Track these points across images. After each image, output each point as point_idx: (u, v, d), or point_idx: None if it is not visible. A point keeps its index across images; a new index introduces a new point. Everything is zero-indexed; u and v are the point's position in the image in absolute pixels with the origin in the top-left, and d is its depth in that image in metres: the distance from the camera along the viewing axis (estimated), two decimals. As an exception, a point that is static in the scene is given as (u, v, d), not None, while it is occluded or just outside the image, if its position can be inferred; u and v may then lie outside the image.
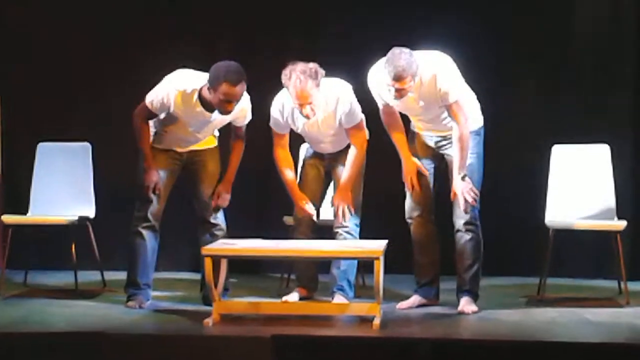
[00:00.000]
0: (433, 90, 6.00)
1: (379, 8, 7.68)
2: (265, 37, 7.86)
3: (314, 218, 6.40)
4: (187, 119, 6.19)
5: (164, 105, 6.15)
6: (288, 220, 6.84)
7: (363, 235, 6.42)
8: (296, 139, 6.58)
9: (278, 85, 6.20)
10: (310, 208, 6.37)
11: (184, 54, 7.28)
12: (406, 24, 7.42)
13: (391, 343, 5.31)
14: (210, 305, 5.96)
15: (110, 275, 7.08)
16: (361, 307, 6.00)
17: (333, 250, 6.03)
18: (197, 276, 6.68)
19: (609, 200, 6.78)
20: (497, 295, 6.84)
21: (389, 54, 5.90)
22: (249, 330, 5.72)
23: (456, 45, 6.31)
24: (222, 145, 6.52)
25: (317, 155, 6.56)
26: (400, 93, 5.93)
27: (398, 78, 5.85)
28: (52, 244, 7.41)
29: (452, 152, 6.16)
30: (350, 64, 6.69)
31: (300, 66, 6.05)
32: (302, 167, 6.61)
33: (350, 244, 6.17)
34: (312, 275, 6.61)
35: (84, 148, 7.20)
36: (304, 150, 6.75)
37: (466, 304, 6.22)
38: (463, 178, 6.08)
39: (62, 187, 7.13)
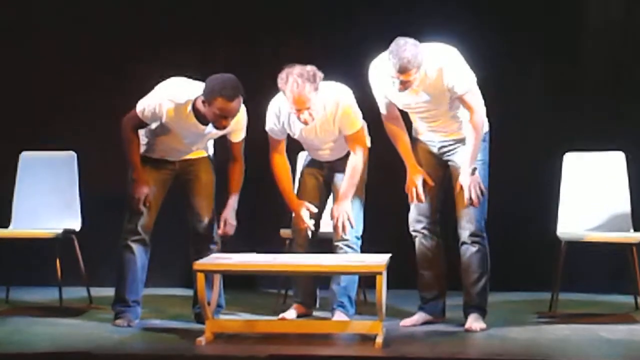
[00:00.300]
0: (440, 83, 5.92)
1: (379, 9, 7.66)
2: (261, 41, 7.88)
3: (310, 232, 6.30)
4: (179, 130, 6.10)
5: (155, 116, 6.05)
6: (285, 233, 6.79)
7: (365, 249, 6.35)
8: (293, 147, 6.51)
9: (274, 89, 6.11)
10: (308, 218, 6.26)
11: (174, 60, 7.41)
12: (407, 28, 7.22)
13: (394, 363, 5.27)
14: (203, 323, 5.87)
15: (97, 292, 7.05)
16: (363, 325, 5.92)
17: (333, 265, 5.95)
18: (189, 292, 6.63)
19: (624, 210, 6.74)
20: (507, 311, 6.79)
21: (393, 44, 5.81)
22: (243, 349, 5.62)
23: (462, 47, 6.18)
24: (217, 152, 6.43)
25: (315, 164, 6.45)
26: (404, 85, 5.85)
27: (403, 70, 5.77)
28: (36, 259, 7.36)
29: (457, 159, 6.11)
30: (349, 67, 6.64)
31: (297, 69, 5.94)
32: (301, 177, 6.52)
33: (351, 258, 6.10)
34: (311, 291, 6.54)
35: (69, 157, 7.15)
36: (302, 158, 6.69)
37: (474, 321, 6.13)
38: (473, 172, 6.01)
39: (46, 199, 7.09)
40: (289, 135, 6.28)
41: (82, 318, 6.54)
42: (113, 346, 5.69)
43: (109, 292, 6.44)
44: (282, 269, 5.99)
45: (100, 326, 6.23)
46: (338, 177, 6.30)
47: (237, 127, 6.13)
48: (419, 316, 6.28)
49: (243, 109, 6.07)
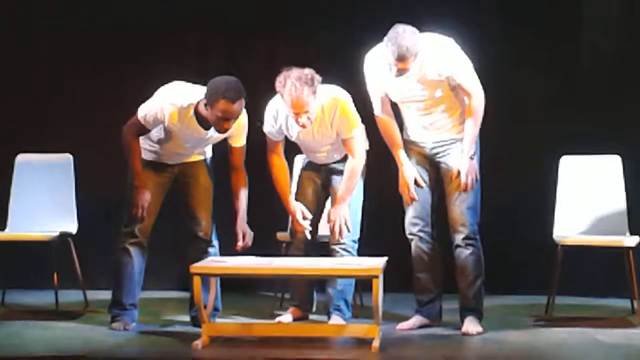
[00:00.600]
0: (437, 71, 5.92)
1: (378, 13, 7.59)
2: (256, 43, 7.85)
3: (308, 235, 6.28)
4: (181, 135, 6.06)
5: (157, 120, 6.00)
6: (281, 236, 6.79)
7: (361, 252, 6.31)
8: (291, 150, 6.48)
9: (270, 92, 6.10)
10: (306, 222, 6.24)
11: (173, 61, 7.35)
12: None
13: (391, 367, 5.24)
14: (199, 326, 5.86)
15: (93, 295, 7.02)
16: (359, 329, 5.90)
17: (329, 268, 5.91)
18: (185, 295, 6.60)
19: (621, 214, 6.71)
20: (503, 315, 6.76)
21: (391, 32, 5.79)
22: (240, 353, 5.62)
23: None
24: (216, 155, 6.40)
25: (313, 167, 6.42)
26: (401, 73, 5.84)
27: (402, 58, 5.77)
28: (32, 262, 7.35)
29: (449, 161, 6.10)
30: (346, 70, 6.62)
31: (295, 72, 5.91)
32: (298, 180, 6.49)
33: (348, 261, 6.05)
34: (308, 294, 6.51)
35: (66, 160, 7.11)
36: (299, 161, 6.65)
37: (470, 325, 6.12)
38: (472, 157, 6.03)
39: (43, 201, 7.05)
40: (286, 137, 6.25)
41: (78, 321, 6.52)
42: (109, 350, 5.68)
43: (105, 295, 6.42)
44: (278, 272, 5.95)
45: (96, 329, 6.21)
46: (336, 180, 6.28)
47: (238, 131, 6.10)
48: (416, 320, 6.26)
49: (244, 114, 6.04)
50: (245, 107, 6.05)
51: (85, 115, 7.72)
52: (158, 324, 6.43)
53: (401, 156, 6.16)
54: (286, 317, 6.36)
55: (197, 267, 5.80)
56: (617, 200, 6.72)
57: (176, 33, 7.81)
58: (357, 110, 6.17)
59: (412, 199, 6.15)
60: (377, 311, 5.65)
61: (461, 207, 6.08)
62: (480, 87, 6.03)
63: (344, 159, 6.22)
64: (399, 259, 6.18)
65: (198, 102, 5.92)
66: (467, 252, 6.13)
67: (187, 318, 6.38)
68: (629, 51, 7.58)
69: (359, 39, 6.40)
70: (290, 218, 6.34)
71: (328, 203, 6.42)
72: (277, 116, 6.14)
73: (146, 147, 6.17)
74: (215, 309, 6.24)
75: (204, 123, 5.95)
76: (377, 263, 5.77)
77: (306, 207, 6.28)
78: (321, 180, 6.37)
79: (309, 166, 6.41)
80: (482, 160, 6.15)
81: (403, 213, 6.27)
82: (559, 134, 7.43)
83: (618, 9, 7.66)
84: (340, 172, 6.22)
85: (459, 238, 6.13)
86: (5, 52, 7.88)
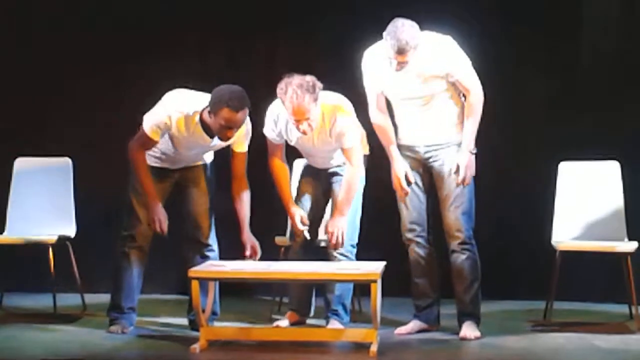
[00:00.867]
0: (435, 68, 5.95)
1: (378, 13, 7.49)
2: (256, 43, 7.82)
3: (307, 234, 6.25)
4: (186, 142, 6.04)
5: (164, 129, 5.96)
6: (280, 240, 6.77)
7: (360, 257, 6.29)
8: (291, 154, 6.44)
9: (270, 91, 6.07)
10: (304, 227, 6.22)
11: (171, 64, 7.38)
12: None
13: (389, 371, 5.24)
14: (198, 330, 5.85)
15: (92, 298, 7.00)
16: (357, 333, 5.90)
17: (328, 272, 5.90)
18: (184, 298, 6.58)
19: (619, 220, 6.70)
20: (502, 320, 6.75)
21: (391, 26, 5.83)
22: (238, 357, 5.64)
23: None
24: (218, 158, 6.37)
25: (313, 172, 6.40)
26: (401, 66, 5.88)
27: (401, 51, 5.80)
28: (30, 265, 7.27)
29: (442, 166, 6.10)
30: (346, 70, 6.63)
31: (296, 79, 5.88)
32: (298, 185, 6.46)
33: (346, 266, 6.04)
34: (306, 299, 6.48)
35: (64, 163, 7.09)
36: (299, 165, 6.63)
37: (468, 329, 6.12)
38: (472, 152, 6.06)
39: (41, 205, 7.03)
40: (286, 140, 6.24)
41: (76, 325, 6.51)
42: (107, 353, 5.67)
43: (103, 298, 6.40)
44: (276, 277, 5.95)
45: (94, 333, 6.20)
46: (336, 184, 6.26)
47: (241, 137, 6.06)
48: (414, 324, 6.25)
49: (248, 120, 6.01)
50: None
51: (85, 120, 7.69)
52: (156, 328, 6.41)
53: (393, 151, 6.17)
54: (283, 322, 6.34)
55: (195, 271, 5.79)
56: (615, 206, 6.69)
57: (176, 33, 7.78)
58: (357, 113, 6.16)
59: (405, 193, 6.15)
60: (376, 316, 5.63)
61: (456, 213, 6.08)
62: (479, 84, 6.05)
63: (344, 164, 6.19)
64: (397, 264, 6.16)
65: (203, 110, 5.90)
66: (463, 257, 6.12)
67: (185, 322, 6.36)
68: (629, 51, 7.56)
69: (359, 39, 6.39)
70: (289, 222, 6.32)
71: (328, 207, 6.40)
72: (277, 120, 6.12)
73: (150, 153, 6.13)
74: (214, 313, 6.21)
75: (209, 131, 5.93)
76: (375, 268, 5.75)
77: (306, 211, 6.27)
78: (321, 184, 6.36)
79: (309, 171, 6.40)
80: (477, 164, 6.14)
81: (399, 217, 6.26)
82: (558, 135, 7.41)
83: (618, 9, 7.63)
84: (341, 176, 6.21)
85: (454, 243, 6.12)
86: (5, 52, 7.87)
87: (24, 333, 6.19)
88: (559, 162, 6.86)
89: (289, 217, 6.31)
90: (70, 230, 6.92)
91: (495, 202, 6.85)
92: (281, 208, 6.32)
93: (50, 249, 6.70)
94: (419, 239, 6.23)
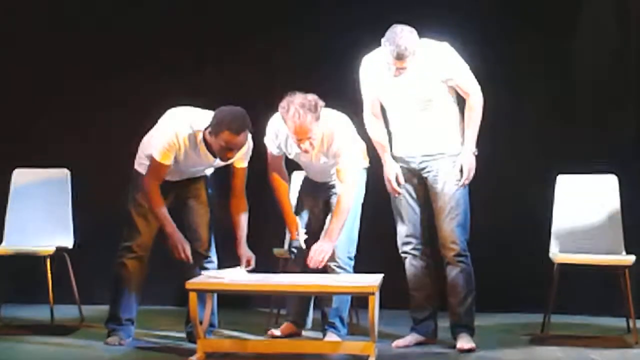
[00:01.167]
0: (433, 74, 5.97)
1: (378, 14, 7.50)
2: (256, 43, 7.80)
3: (303, 246, 6.21)
4: (190, 159, 6.03)
5: (173, 148, 5.93)
6: (278, 252, 6.76)
7: (357, 269, 6.27)
8: (289, 166, 6.40)
9: (269, 91, 6.12)
10: (302, 238, 6.20)
11: (169, 66, 7.42)
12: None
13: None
14: (195, 342, 5.84)
15: (89, 310, 7.00)
16: (354, 346, 5.89)
17: (326, 285, 5.87)
18: (182, 310, 6.50)
19: (617, 233, 6.69)
20: (499, 332, 6.75)
21: (389, 32, 5.87)
22: None
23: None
24: (217, 170, 6.34)
25: (312, 186, 6.38)
26: (400, 72, 5.91)
27: (400, 57, 5.85)
28: (28, 276, 7.23)
29: (436, 178, 6.10)
30: (345, 71, 6.58)
31: (299, 98, 5.86)
32: (298, 198, 6.45)
33: (344, 278, 6.02)
34: (303, 311, 6.49)
35: (63, 175, 7.07)
36: (297, 178, 6.63)
37: (463, 341, 6.12)
38: (474, 153, 6.08)
39: (39, 216, 7.02)
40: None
41: (74, 336, 6.50)
42: (104, 365, 5.68)
43: (101, 310, 6.39)
44: (274, 289, 5.94)
45: (91, 344, 6.19)
46: (334, 197, 6.20)
47: (241, 155, 6.05)
48: (412, 337, 6.25)
49: (249, 138, 6.01)
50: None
51: (83, 131, 7.70)
52: (154, 340, 6.40)
53: (385, 156, 6.19)
54: (277, 331, 6.37)
55: (193, 283, 5.77)
56: (613, 220, 6.69)
57: (174, 34, 7.79)
58: (357, 124, 6.15)
59: (398, 194, 6.16)
60: (373, 328, 5.62)
61: (451, 225, 6.08)
62: (479, 87, 6.07)
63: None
64: (395, 276, 6.16)
65: (205, 129, 5.91)
66: (457, 269, 6.13)
67: (183, 334, 6.35)
68: (629, 51, 7.57)
69: (358, 40, 6.41)
70: (288, 233, 6.32)
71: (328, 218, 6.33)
72: (278, 133, 6.11)
73: None
74: (212, 325, 6.20)
75: (211, 149, 5.95)
76: (373, 280, 5.74)
77: (304, 224, 6.26)
78: (321, 198, 6.34)
79: (308, 185, 6.38)
80: (475, 176, 6.12)
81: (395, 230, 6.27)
82: (555, 154, 7.40)
83: (618, 9, 7.64)
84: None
85: (449, 255, 6.13)
86: (2, 64, 7.87)
87: (21, 344, 6.19)
88: (556, 176, 6.85)
89: (287, 228, 6.30)
90: (68, 242, 6.90)
91: (493, 214, 6.83)
92: (279, 220, 6.31)
93: (48, 260, 6.68)
94: (414, 252, 6.23)
